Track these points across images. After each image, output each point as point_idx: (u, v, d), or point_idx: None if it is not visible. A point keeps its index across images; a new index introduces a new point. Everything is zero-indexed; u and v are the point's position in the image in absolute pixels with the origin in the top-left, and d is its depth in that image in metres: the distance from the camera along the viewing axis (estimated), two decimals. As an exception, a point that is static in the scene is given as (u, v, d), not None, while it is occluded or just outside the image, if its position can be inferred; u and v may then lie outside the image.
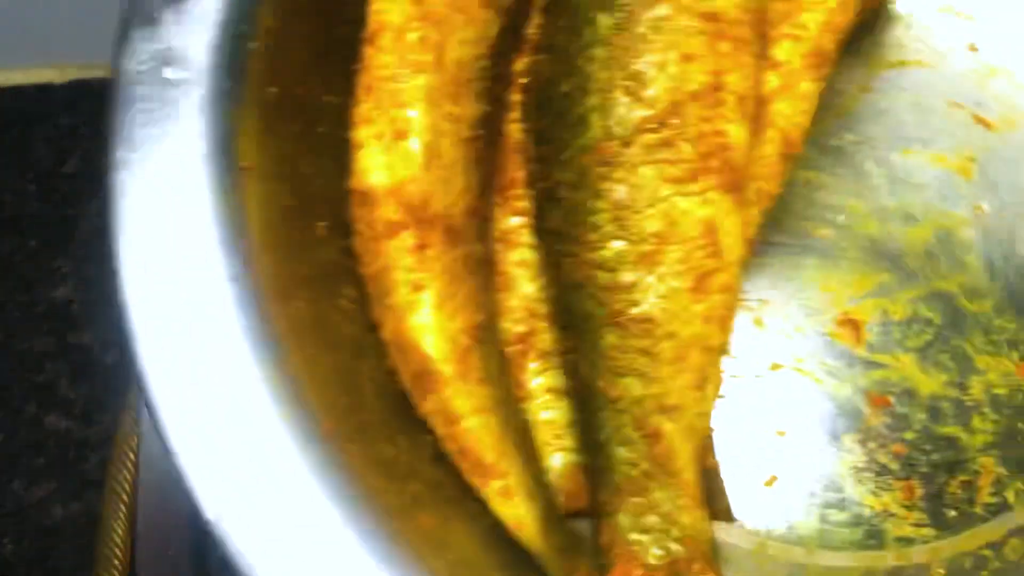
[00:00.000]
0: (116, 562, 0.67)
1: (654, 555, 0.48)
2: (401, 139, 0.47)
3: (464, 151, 0.49)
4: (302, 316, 0.45)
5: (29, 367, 0.88)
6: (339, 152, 0.49)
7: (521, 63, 0.54)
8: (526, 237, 0.53)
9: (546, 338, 0.53)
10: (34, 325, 0.90)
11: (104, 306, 0.87)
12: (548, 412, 0.53)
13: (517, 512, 0.48)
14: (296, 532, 0.39)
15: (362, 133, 0.48)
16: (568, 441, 0.53)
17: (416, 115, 0.47)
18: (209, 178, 0.42)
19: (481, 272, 0.50)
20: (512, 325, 0.53)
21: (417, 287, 0.47)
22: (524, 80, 0.54)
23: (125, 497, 0.68)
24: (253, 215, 0.44)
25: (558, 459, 0.52)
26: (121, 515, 0.67)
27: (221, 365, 0.41)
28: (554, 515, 0.50)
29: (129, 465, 0.69)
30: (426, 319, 0.47)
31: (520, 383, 0.53)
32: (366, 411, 0.46)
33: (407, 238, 0.47)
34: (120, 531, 0.67)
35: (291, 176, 0.47)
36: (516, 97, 0.53)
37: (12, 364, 0.87)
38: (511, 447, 0.48)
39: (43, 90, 0.97)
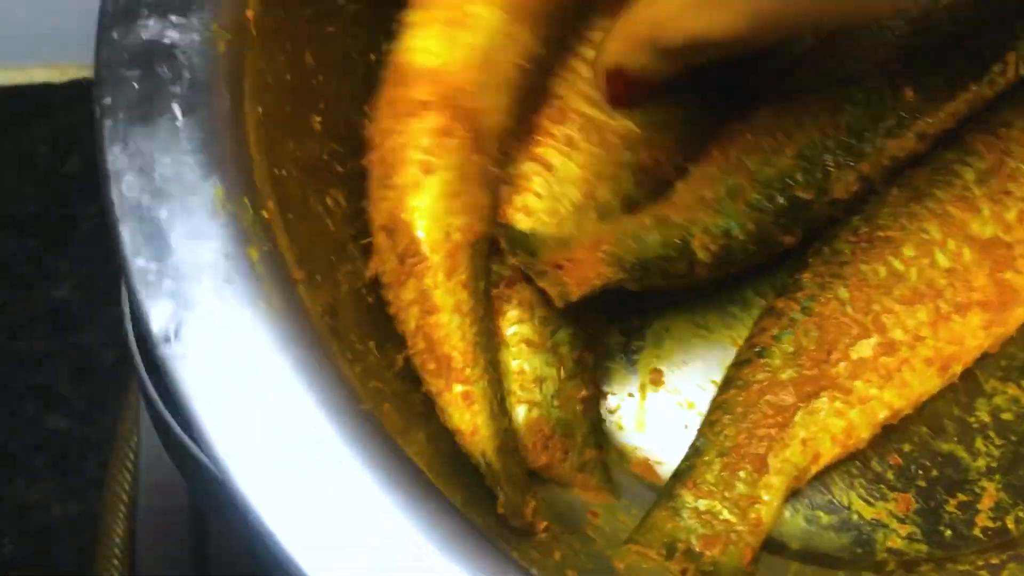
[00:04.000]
0: (116, 562, 0.67)
1: None
2: (455, 28, 0.46)
3: (514, 76, 0.48)
4: (290, 197, 0.43)
5: (29, 367, 0.87)
6: (347, 58, 0.49)
7: (593, 33, 0.53)
8: (536, 184, 0.51)
9: (534, 288, 0.50)
10: (34, 325, 0.89)
11: (104, 306, 0.87)
12: (518, 362, 0.50)
13: (476, 420, 0.45)
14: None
15: (418, 15, 0.46)
16: (535, 395, 0.50)
17: (479, 14, 0.46)
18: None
19: (490, 193, 0.48)
20: (501, 268, 0.50)
21: (427, 169, 0.45)
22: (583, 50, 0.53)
23: (125, 497, 0.69)
24: (250, 74, 0.42)
25: (522, 412, 0.50)
26: (121, 515, 0.68)
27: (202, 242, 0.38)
28: (512, 442, 0.47)
29: (129, 465, 0.70)
30: (426, 203, 0.45)
31: (496, 328, 0.50)
32: (340, 309, 0.43)
33: (431, 119, 0.45)
34: (120, 531, 0.68)
35: (293, 57, 0.45)
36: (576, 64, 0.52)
37: (12, 364, 0.86)
38: (482, 360, 0.46)
39: (43, 90, 0.97)
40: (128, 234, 0.37)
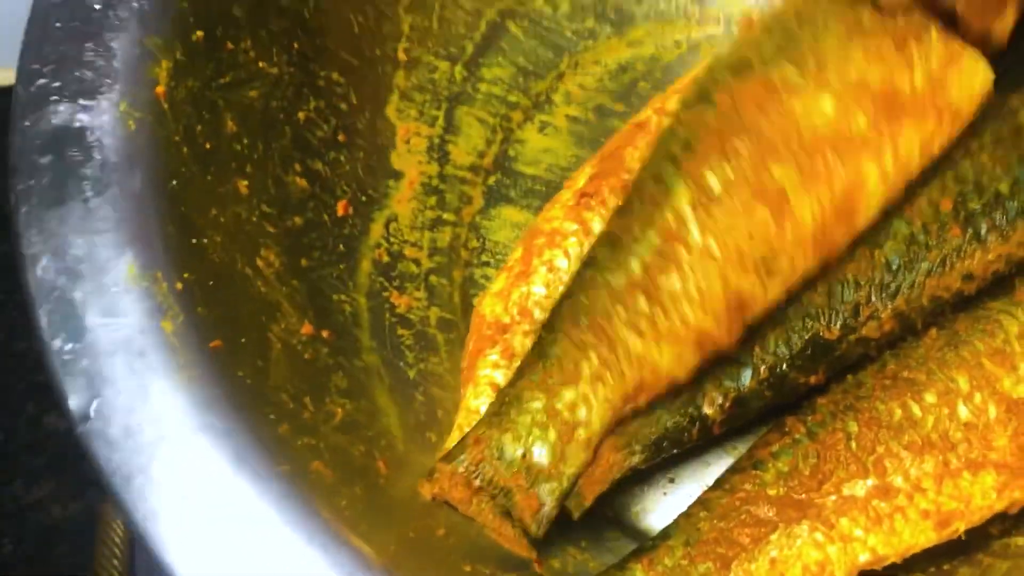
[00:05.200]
0: (116, 562, 0.67)
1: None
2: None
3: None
4: (212, 264, 0.44)
5: (29, 367, 0.85)
6: (273, 120, 0.49)
7: None
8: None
9: (520, 341, 0.52)
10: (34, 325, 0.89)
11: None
12: (478, 401, 0.52)
13: None
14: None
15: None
16: None
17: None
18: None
19: None
20: (503, 312, 0.52)
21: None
22: None
23: (125, 496, 0.69)
24: (163, 149, 0.43)
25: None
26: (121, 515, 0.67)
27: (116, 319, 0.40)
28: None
29: (129, 464, 0.70)
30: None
31: (471, 364, 0.52)
32: (271, 368, 0.45)
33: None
34: (120, 531, 0.68)
35: (212, 125, 0.47)
36: None
37: (12, 364, 0.86)
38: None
39: (42, 90, 0.98)
40: (45, 316, 0.39)
